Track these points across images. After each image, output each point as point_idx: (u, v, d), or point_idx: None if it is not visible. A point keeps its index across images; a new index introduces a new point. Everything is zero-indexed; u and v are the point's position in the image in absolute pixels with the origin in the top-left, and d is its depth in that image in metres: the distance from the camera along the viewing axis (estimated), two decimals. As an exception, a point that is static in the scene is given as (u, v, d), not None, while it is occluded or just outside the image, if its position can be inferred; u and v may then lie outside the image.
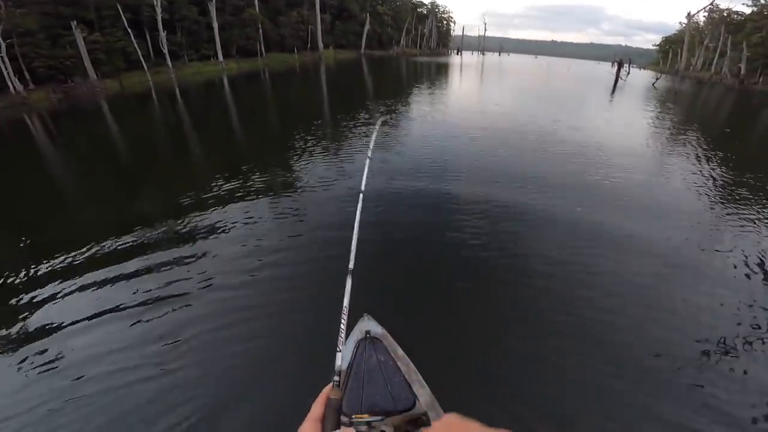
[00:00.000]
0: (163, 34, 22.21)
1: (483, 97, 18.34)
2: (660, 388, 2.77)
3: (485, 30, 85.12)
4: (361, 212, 1.93)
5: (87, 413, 2.53)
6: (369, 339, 2.29)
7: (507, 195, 5.97)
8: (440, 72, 32.52)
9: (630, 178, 7.13)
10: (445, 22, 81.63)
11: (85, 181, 6.94)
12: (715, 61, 42.87)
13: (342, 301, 1.48)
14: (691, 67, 48.02)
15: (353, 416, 1.84)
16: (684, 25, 49.69)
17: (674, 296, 3.81)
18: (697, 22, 48.70)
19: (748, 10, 40.28)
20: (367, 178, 2.18)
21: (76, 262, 4.11)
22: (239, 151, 8.64)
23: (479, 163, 7.53)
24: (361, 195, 2.09)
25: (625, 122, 13.39)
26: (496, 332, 3.28)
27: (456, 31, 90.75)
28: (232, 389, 2.69)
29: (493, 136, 9.73)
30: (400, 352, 2.28)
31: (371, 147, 2.66)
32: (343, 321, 1.43)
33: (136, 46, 20.76)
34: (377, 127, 3.14)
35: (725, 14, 43.68)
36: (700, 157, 8.97)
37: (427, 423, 1.86)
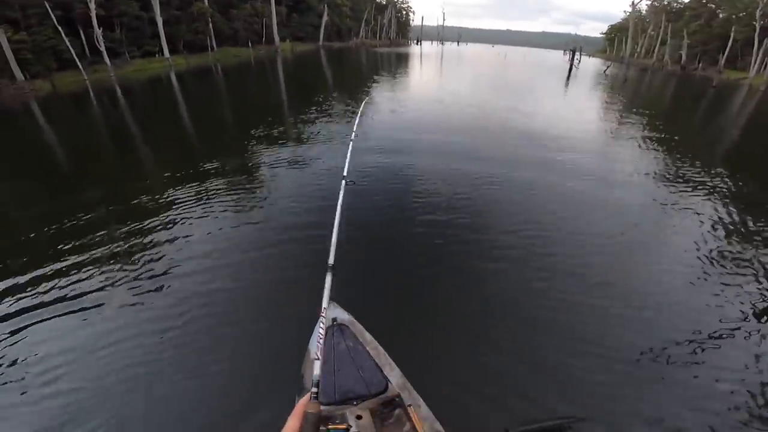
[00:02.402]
0: (98, 31, 20.32)
1: (445, 89, 18.30)
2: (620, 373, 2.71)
3: (444, 20, 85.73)
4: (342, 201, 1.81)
5: None
6: (336, 326, 2.12)
7: (475, 187, 5.98)
8: (400, 62, 32.26)
9: (596, 164, 7.41)
10: (404, 12, 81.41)
11: (19, 185, 6.15)
12: (657, 48, 45.43)
13: (321, 302, 1.21)
14: (636, 55, 50.71)
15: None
16: (628, 13, 52.29)
17: (633, 275, 3.97)
18: (640, 11, 51.19)
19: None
20: (350, 162, 2.17)
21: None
22: (191, 150, 8.08)
23: (446, 156, 7.44)
24: (343, 182, 1.99)
25: (583, 109, 13.79)
26: (466, 315, 3.30)
27: (415, 21, 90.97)
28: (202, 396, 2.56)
29: (460, 129, 9.64)
30: (369, 336, 2.12)
31: (354, 129, 2.65)
32: (321, 326, 1.13)
33: (68, 44, 18.82)
34: (362, 106, 3.12)
35: (666, 3, 46.13)
36: (652, 141, 9.41)
37: (400, 404, 1.77)
